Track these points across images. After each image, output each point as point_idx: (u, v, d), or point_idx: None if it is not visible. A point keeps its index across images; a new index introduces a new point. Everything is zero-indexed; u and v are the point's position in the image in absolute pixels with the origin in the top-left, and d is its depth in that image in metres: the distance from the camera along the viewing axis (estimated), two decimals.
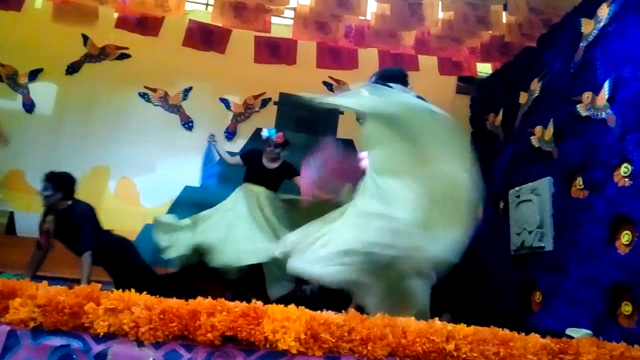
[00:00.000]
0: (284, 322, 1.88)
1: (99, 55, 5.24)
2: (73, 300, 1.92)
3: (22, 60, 5.05)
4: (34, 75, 5.10)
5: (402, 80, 3.26)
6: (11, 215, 4.78)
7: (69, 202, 3.85)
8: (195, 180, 5.16)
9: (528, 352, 1.91)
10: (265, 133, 4.60)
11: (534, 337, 2.01)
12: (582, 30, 3.64)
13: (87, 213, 3.87)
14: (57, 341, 1.90)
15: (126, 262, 3.92)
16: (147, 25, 4.98)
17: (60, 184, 3.82)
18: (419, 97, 3.16)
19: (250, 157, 4.62)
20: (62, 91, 5.19)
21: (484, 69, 5.46)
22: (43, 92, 5.09)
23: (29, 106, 5.07)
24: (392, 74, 3.39)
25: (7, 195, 4.74)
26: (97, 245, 3.74)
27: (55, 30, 4.91)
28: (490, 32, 4.98)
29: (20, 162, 4.69)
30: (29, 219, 4.51)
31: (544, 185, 3.74)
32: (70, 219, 3.78)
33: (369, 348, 1.87)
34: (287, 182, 4.63)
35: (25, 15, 4.87)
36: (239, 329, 1.88)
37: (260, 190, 4.43)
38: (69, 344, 1.89)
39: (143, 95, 5.28)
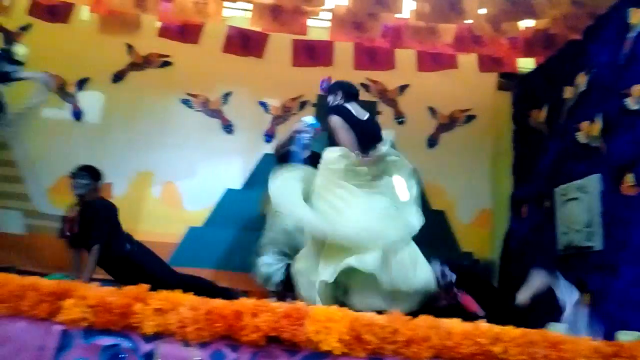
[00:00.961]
0: (327, 323, 1.89)
1: (142, 63, 5.41)
2: (122, 300, 1.98)
3: (70, 71, 5.26)
4: (81, 84, 5.30)
5: (357, 98, 3.74)
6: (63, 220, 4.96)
7: (97, 195, 3.97)
8: (236, 183, 5.24)
9: (579, 355, 1.84)
10: (310, 120, 4.35)
11: (585, 340, 1.94)
12: (630, 21, 3.50)
13: (107, 209, 3.94)
14: (107, 340, 1.96)
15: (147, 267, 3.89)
16: (188, 33, 5.09)
17: (95, 175, 3.96)
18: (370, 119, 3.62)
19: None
20: (109, 99, 5.37)
21: (526, 64, 5.31)
22: (90, 100, 5.28)
23: (78, 114, 5.27)
24: (353, 92, 3.78)
25: (59, 200, 4.93)
26: (105, 241, 3.78)
27: (100, 41, 5.09)
28: (533, 25, 4.85)
29: (70, 168, 4.87)
30: None
31: (592, 182, 3.61)
32: (91, 211, 3.86)
33: (413, 350, 1.85)
34: None
35: (72, 27, 5.06)
36: (282, 329, 1.89)
37: None
38: (119, 344, 1.95)
39: (185, 102, 5.40)
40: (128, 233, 4.07)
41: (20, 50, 4.07)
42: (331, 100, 3.77)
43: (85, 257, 3.86)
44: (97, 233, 3.78)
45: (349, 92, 3.76)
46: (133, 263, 3.84)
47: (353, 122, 3.49)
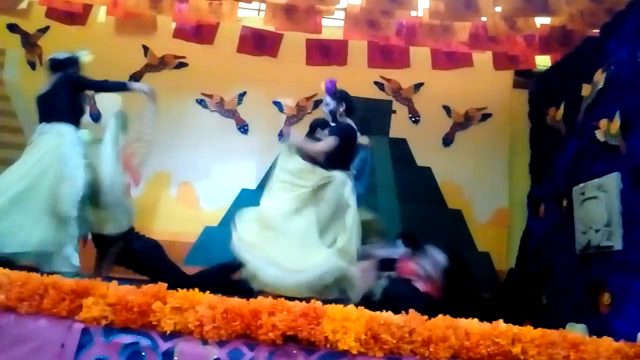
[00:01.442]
0: (344, 323, 1.89)
1: (158, 65, 5.46)
2: (141, 299, 2.00)
3: (88, 73, 5.30)
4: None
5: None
6: None
7: None
8: (251, 183, 5.26)
9: (601, 356, 1.82)
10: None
11: (607, 340, 1.91)
12: None
13: None
14: (127, 338, 1.99)
15: (156, 263, 4.01)
16: (202, 34, 5.15)
17: None
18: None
19: None
20: (125, 101, 5.42)
21: (543, 61, 5.26)
22: (108, 102, 5.34)
23: (96, 116, 5.32)
24: (353, 107, 3.96)
25: None
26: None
27: (117, 43, 5.15)
28: (549, 22, 4.80)
29: None
30: None
31: (612, 181, 3.55)
32: None
33: (431, 350, 1.84)
34: None
35: (90, 29, 5.14)
36: (300, 328, 1.90)
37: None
38: (138, 342, 1.98)
39: (200, 102, 5.44)
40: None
41: (86, 57, 4.11)
42: (332, 105, 3.87)
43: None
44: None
45: (351, 106, 3.89)
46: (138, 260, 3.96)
47: (353, 145, 3.68)
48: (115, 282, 2.18)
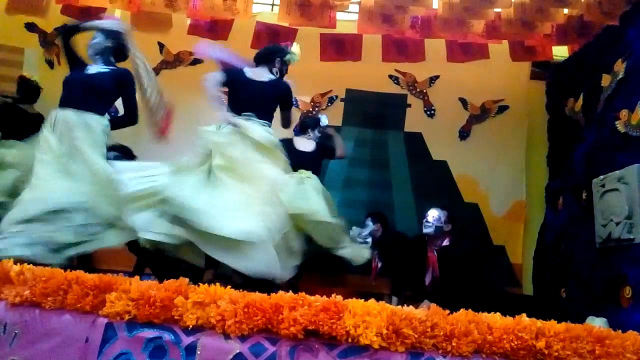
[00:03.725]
0: (365, 317, 1.88)
1: (174, 61, 5.50)
2: (163, 294, 2.02)
3: None
4: None
5: None
6: None
7: None
8: None
9: (627, 351, 1.79)
10: (324, 121, 4.64)
11: (633, 335, 1.89)
12: None
13: None
14: (150, 333, 2.00)
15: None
16: (217, 30, 5.16)
17: None
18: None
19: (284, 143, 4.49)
20: (141, 98, 5.46)
21: (560, 52, 5.19)
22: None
23: (113, 113, 5.35)
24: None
25: None
26: None
27: (133, 40, 5.16)
28: (566, 11, 4.73)
29: None
30: None
31: (633, 172, 3.49)
32: None
33: (454, 344, 1.83)
34: None
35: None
36: (321, 323, 1.90)
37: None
38: (161, 336, 1.99)
39: None
40: None
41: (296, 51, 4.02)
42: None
43: None
44: None
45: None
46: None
47: None
48: (137, 277, 2.20)
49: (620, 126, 3.73)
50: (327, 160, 4.72)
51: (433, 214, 4.11)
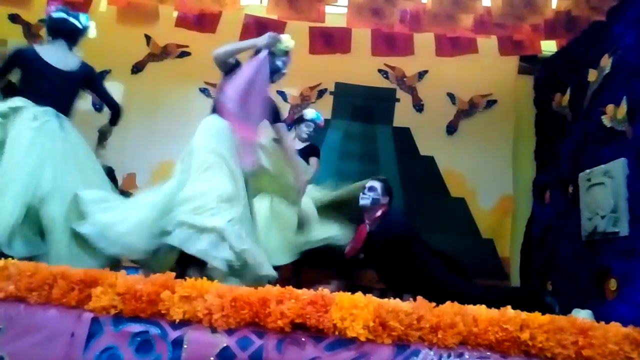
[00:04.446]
0: (352, 310, 1.90)
1: (161, 54, 5.44)
2: (150, 288, 2.01)
3: (90, 62, 5.27)
4: (102, 76, 5.33)
5: None
6: None
7: None
8: None
9: (609, 342, 1.82)
10: (312, 115, 4.59)
11: (615, 326, 1.92)
12: None
13: None
14: (136, 327, 2.00)
15: None
16: (205, 22, 5.11)
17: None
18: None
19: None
20: (128, 90, 5.41)
21: (548, 47, 5.21)
22: (111, 92, 5.32)
23: (99, 106, 5.30)
24: None
25: None
26: None
27: (120, 32, 5.12)
28: (555, 6, 4.75)
29: None
30: None
31: (618, 167, 3.53)
32: None
33: (439, 336, 1.85)
34: None
35: (91, 18, 5.07)
36: (308, 316, 1.91)
37: None
38: (148, 330, 1.99)
39: (203, 91, 5.42)
40: None
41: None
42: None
43: None
44: None
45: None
46: None
47: None
48: (123, 272, 2.19)
49: (606, 121, 3.77)
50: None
51: (371, 184, 3.90)
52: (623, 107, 3.59)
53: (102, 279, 2.10)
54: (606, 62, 3.92)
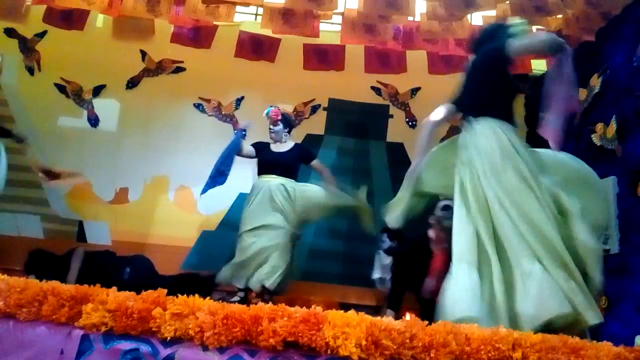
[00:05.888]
0: (345, 328, 1.88)
1: (156, 69, 5.45)
2: (141, 305, 1.99)
3: (86, 77, 5.32)
4: (97, 91, 5.35)
5: None
6: (80, 224, 5.03)
7: None
8: (248, 188, 5.24)
9: None
10: (264, 113, 4.53)
11: (607, 345, 1.92)
12: None
13: None
14: (127, 345, 1.97)
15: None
16: (200, 38, 5.16)
17: None
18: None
19: (260, 145, 4.50)
20: (124, 105, 5.42)
21: (538, 66, 5.28)
22: (106, 107, 5.34)
23: (94, 121, 5.33)
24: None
25: (76, 205, 5.00)
26: None
27: (115, 47, 5.16)
28: (545, 26, 4.83)
29: (87, 173, 4.93)
30: (97, 226, 4.95)
31: (608, 185, 3.57)
32: None
33: (432, 355, 1.84)
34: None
35: (88, 34, 5.14)
36: (300, 334, 1.89)
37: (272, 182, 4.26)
38: (138, 348, 1.96)
39: (198, 106, 5.44)
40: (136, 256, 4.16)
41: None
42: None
43: None
44: None
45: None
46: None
47: None
48: (114, 288, 2.17)
49: (596, 139, 3.82)
50: (310, 170, 4.69)
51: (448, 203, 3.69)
52: (612, 126, 3.64)
53: (92, 295, 2.08)
54: (596, 81, 3.99)
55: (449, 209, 3.52)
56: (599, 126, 3.81)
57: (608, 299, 3.42)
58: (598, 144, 3.80)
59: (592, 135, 3.85)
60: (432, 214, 3.73)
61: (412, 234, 3.94)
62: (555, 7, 4.62)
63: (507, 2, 4.64)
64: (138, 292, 2.10)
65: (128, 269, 4.06)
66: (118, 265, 4.06)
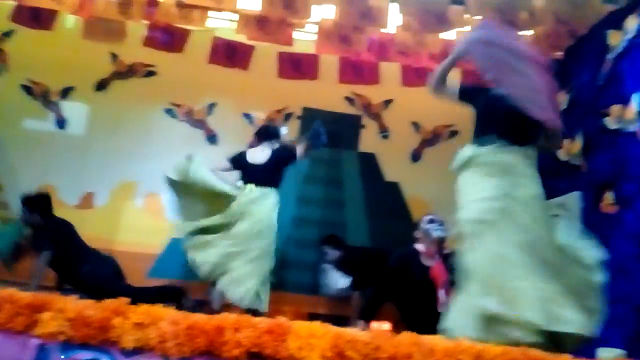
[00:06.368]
0: (310, 339, 1.87)
1: (127, 72, 5.36)
2: (101, 314, 1.95)
3: (54, 79, 5.20)
4: (65, 93, 5.23)
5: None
6: None
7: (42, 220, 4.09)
8: None
9: None
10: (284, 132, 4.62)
11: (566, 357, 1.95)
12: (609, 42, 3.59)
13: (50, 229, 4.03)
14: (85, 355, 1.92)
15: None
16: (173, 42, 5.10)
17: (33, 206, 4.09)
18: None
19: (236, 157, 4.42)
20: (92, 108, 5.32)
21: None
22: (74, 109, 5.22)
23: (61, 123, 5.20)
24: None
25: None
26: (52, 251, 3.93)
27: (85, 49, 5.05)
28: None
29: (51, 177, 4.80)
30: None
31: (573, 200, 3.67)
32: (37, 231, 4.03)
33: None
34: None
35: (56, 34, 5.02)
36: (265, 345, 1.87)
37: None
38: (97, 358, 1.92)
39: (169, 111, 5.37)
40: (95, 252, 4.07)
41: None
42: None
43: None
44: (43, 241, 3.95)
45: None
46: (88, 287, 3.87)
47: None
48: (74, 296, 2.11)
49: (562, 155, 3.92)
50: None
51: (434, 217, 3.80)
52: (578, 143, 3.74)
53: (51, 303, 2.02)
54: (563, 98, 4.09)
55: (434, 222, 3.67)
56: (566, 142, 3.90)
57: None
58: (564, 160, 3.89)
59: (559, 151, 3.94)
60: (417, 229, 3.85)
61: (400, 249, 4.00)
62: (526, 24, 4.74)
63: (480, 17, 4.74)
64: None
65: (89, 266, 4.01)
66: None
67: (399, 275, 3.68)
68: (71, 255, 4.00)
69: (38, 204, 4.08)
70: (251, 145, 4.53)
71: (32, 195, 4.11)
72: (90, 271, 3.97)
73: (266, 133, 4.48)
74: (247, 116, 5.49)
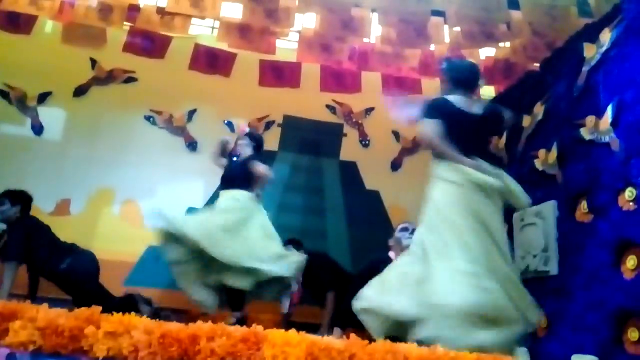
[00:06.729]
0: (285, 348, 1.86)
1: (106, 78, 5.32)
2: (73, 323, 1.91)
3: (32, 84, 5.13)
4: (43, 98, 5.16)
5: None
6: None
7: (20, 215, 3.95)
8: (198, 202, 5.16)
9: None
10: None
11: None
12: (585, 55, 3.66)
13: (25, 226, 3.91)
14: None
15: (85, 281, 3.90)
16: (154, 49, 5.08)
17: (16, 200, 3.95)
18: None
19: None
20: (70, 114, 5.25)
21: (487, 92, 5.48)
22: (52, 115, 5.15)
23: (38, 129, 5.12)
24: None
25: None
26: (22, 260, 3.81)
27: (64, 54, 5.00)
28: (494, 54, 5.03)
29: (27, 184, 4.70)
30: None
31: (549, 208, 3.71)
32: (10, 230, 3.90)
33: None
34: None
35: (35, 39, 4.97)
36: (239, 354, 1.86)
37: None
38: None
39: (149, 118, 5.33)
40: (75, 250, 3.99)
41: None
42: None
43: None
44: (11, 249, 3.79)
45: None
46: (69, 281, 3.84)
47: None
48: (45, 305, 2.07)
49: (538, 164, 3.97)
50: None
51: (406, 226, 3.88)
52: (554, 153, 3.80)
53: (22, 312, 1.98)
54: (539, 109, 4.16)
55: (407, 230, 3.71)
56: (542, 152, 3.96)
57: (547, 319, 3.52)
58: (540, 169, 3.94)
59: (535, 161, 4.00)
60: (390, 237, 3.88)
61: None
62: (504, 36, 4.84)
63: (459, 29, 4.82)
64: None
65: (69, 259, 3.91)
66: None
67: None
68: (51, 251, 3.90)
69: (21, 198, 3.99)
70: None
71: (16, 190, 4.01)
72: (71, 265, 3.88)
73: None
74: (228, 124, 5.47)
